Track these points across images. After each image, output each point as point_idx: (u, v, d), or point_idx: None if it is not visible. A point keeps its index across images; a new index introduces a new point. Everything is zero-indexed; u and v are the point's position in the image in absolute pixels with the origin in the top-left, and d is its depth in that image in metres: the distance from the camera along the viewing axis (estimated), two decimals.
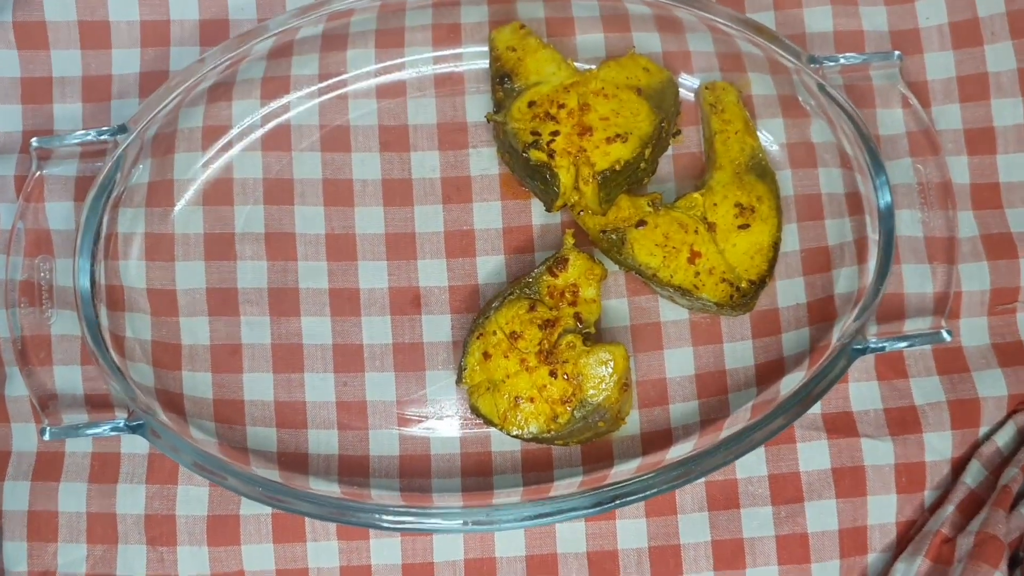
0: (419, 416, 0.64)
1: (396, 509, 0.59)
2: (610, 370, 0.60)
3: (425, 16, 0.67)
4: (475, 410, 0.61)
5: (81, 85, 0.67)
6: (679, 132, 0.67)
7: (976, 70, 0.67)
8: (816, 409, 0.63)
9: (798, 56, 0.64)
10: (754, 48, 0.65)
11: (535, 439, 0.60)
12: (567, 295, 0.62)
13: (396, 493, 0.62)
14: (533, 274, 0.63)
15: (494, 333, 0.61)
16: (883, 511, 0.62)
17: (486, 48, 0.67)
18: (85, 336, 0.60)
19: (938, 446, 0.63)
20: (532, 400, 0.60)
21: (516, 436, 0.60)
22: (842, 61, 0.64)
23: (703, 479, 0.61)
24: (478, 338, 0.61)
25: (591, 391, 0.59)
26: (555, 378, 0.60)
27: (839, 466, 0.63)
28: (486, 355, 0.61)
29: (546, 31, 0.67)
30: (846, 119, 0.63)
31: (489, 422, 0.61)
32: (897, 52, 0.64)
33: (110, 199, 0.62)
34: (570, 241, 0.63)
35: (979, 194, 0.66)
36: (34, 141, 0.62)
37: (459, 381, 0.61)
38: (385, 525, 0.58)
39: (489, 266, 0.66)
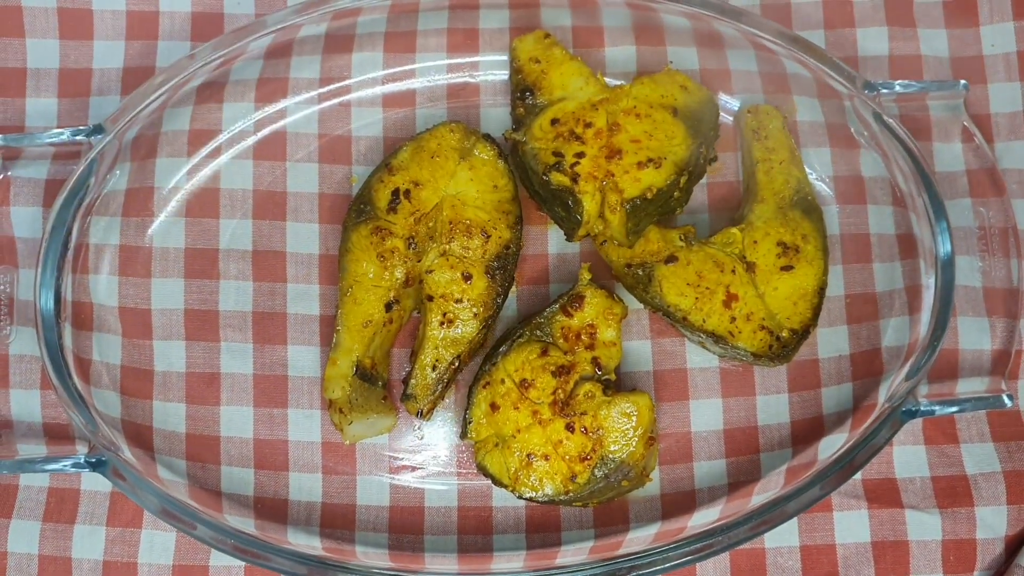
0: (413, 463, 0.60)
1: (383, 572, 0.55)
2: (634, 422, 0.55)
3: (440, 19, 0.63)
4: (482, 469, 0.56)
5: (58, 78, 0.64)
6: (715, 158, 0.61)
7: None
8: (856, 474, 0.58)
9: (852, 81, 0.59)
10: (802, 69, 0.61)
11: (551, 501, 0.55)
12: (583, 337, 0.56)
13: (384, 551, 0.58)
14: (545, 313, 0.57)
15: (502, 381, 0.55)
16: None
17: (506, 57, 0.63)
18: (45, 360, 0.56)
19: (991, 522, 0.59)
20: (547, 457, 0.55)
21: (530, 499, 0.55)
22: (898, 88, 0.60)
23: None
24: (484, 387, 0.56)
25: (613, 446, 0.54)
26: (572, 432, 0.55)
27: (879, 540, 0.59)
28: (493, 406, 0.55)
29: (572, 41, 0.64)
30: (903, 153, 0.59)
31: (499, 483, 0.56)
32: (963, 81, 0.59)
33: (82, 206, 0.59)
34: (586, 276, 0.58)
35: None
36: (0, 139, 0.59)
37: (464, 435, 0.57)
38: None
39: None
